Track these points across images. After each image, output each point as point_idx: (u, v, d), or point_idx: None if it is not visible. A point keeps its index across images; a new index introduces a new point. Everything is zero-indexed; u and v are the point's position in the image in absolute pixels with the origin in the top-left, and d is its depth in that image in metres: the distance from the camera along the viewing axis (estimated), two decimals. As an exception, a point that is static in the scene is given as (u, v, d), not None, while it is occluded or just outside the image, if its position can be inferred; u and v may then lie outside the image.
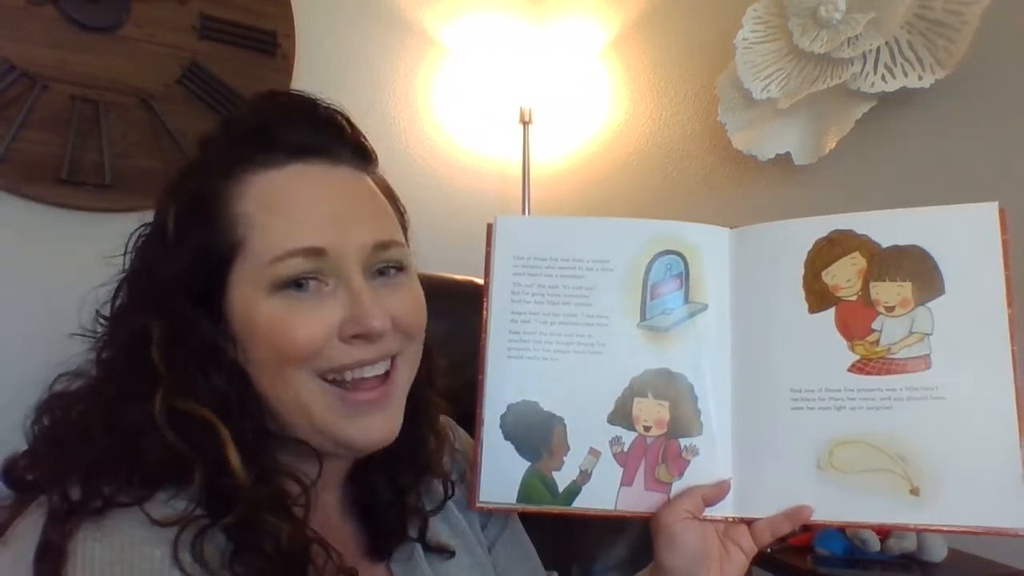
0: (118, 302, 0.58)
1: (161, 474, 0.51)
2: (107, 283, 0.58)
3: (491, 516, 0.73)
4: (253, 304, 0.54)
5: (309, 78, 1.82)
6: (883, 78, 1.35)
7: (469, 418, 0.75)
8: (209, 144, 0.59)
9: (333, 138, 0.58)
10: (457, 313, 0.74)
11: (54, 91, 1.52)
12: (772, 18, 1.52)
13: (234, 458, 0.52)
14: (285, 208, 0.55)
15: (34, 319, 1.38)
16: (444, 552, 0.66)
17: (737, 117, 1.60)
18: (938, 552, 1.14)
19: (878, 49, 1.35)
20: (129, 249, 0.58)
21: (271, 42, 1.77)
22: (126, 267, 0.58)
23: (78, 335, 0.58)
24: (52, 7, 1.52)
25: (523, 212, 1.98)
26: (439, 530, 0.67)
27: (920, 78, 1.31)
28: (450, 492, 0.69)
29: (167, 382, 0.53)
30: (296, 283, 0.54)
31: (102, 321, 0.58)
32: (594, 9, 2.07)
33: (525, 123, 1.98)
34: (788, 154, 1.52)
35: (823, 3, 1.38)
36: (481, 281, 0.68)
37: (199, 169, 0.58)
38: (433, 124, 2.08)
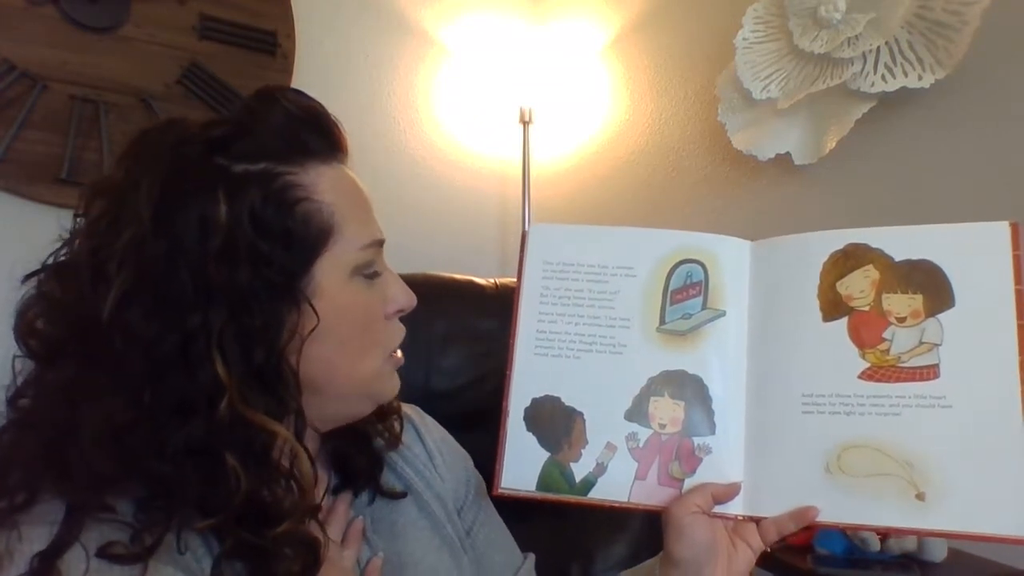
0: (133, 306, 0.50)
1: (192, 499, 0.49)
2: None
3: (466, 500, 0.76)
4: (342, 287, 0.57)
5: (309, 78, 1.82)
6: (883, 78, 1.34)
7: (469, 417, 0.75)
8: (246, 138, 0.54)
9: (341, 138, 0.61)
10: (457, 313, 0.74)
11: (54, 91, 1.52)
12: (772, 18, 1.52)
13: (307, 472, 0.53)
14: (358, 200, 0.59)
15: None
16: (397, 496, 0.69)
17: (737, 117, 1.60)
18: (938, 552, 1.14)
19: (878, 49, 1.35)
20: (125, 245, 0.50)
21: (271, 42, 1.77)
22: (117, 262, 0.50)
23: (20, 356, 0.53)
24: (52, 7, 1.52)
25: (523, 212, 1.99)
26: (409, 513, 0.70)
27: (920, 78, 1.31)
28: (399, 427, 0.72)
29: (232, 387, 0.49)
30: (375, 272, 0.60)
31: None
32: (594, 9, 2.07)
33: (525, 123, 1.98)
34: (788, 154, 1.52)
35: (823, 3, 1.38)
36: (481, 281, 0.69)
37: (250, 158, 0.54)
38: (433, 124, 2.08)
